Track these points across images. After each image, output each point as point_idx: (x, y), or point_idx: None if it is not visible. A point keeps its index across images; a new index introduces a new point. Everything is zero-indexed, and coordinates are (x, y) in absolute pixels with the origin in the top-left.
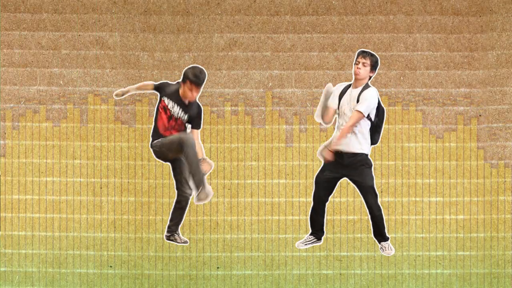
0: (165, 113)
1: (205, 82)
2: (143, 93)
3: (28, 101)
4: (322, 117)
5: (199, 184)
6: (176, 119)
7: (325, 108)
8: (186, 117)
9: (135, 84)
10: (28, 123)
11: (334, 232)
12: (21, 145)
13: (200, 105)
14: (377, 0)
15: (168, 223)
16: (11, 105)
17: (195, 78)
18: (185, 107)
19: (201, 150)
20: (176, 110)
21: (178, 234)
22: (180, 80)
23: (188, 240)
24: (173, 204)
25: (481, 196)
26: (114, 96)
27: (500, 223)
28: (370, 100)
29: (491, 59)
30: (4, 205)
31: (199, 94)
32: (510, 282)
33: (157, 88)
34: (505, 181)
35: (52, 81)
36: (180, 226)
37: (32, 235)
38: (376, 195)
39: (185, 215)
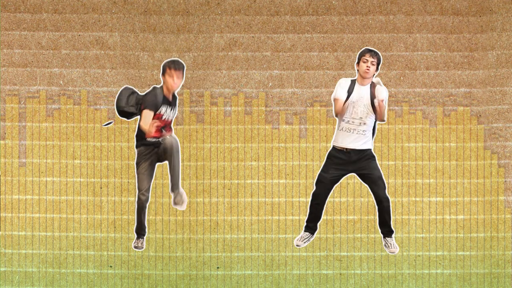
0: (160, 123)
1: (184, 70)
2: (142, 92)
3: (28, 101)
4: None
5: (175, 188)
6: (169, 125)
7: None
8: (173, 114)
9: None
10: (28, 123)
11: (334, 232)
12: (21, 145)
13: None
14: (377, 0)
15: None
16: (11, 105)
17: (173, 63)
18: (170, 104)
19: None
20: (167, 112)
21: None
22: (160, 75)
23: (142, 247)
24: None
25: (481, 196)
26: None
27: (500, 223)
28: (387, 93)
29: (491, 59)
30: (4, 205)
31: (181, 83)
32: (510, 282)
33: (153, 109)
34: (505, 181)
35: (52, 81)
36: (141, 230)
37: (32, 235)
38: (384, 187)
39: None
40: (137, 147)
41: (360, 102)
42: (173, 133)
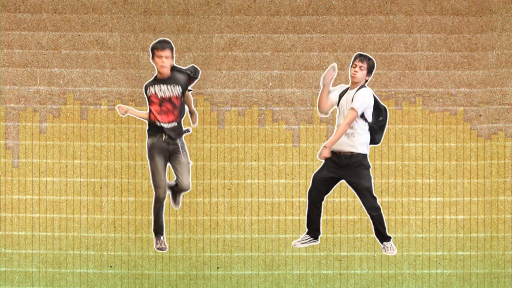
0: (157, 99)
1: (172, 48)
2: (143, 92)
3: (28, 101)
4: (320, 104)
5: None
6: (170, 98)
7: (326, 95)
8: (178, 88)
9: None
10: (28, 123)
11: (334, 232)
12: (21, 145)
13: (182, 68)
14: (377, 0)
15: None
16: (11, 105)
17: (157, 42)
18: (166, 81)
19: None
20: (163, 88)
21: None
22: (151, 60)
23: (166, 248)
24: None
25: (481, 196)
26: (116, 109)
27: (500, 223)
28: (362, 98)
29: (491, 59)
30: (4, 205)
31: (172, 62)
32: (510, 282)
33: (147, 99)
34: (505, 181)
35: (52, 81)
36: (160, 229)
37: (32, 235)
38: (372, 197)
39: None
40: (148, 137)
41: (347, 105)
42: (183, 141)
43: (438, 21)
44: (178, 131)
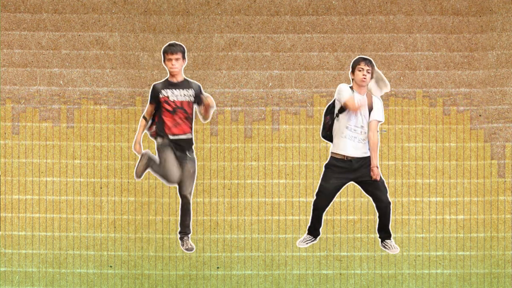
0: (170, 107)
1: (183, 51)
2: (142, 92)
3: (28, 101)
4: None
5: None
6: (182, 106)
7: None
8: (191, 92)
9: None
10: (28, 123)
11: (334, 232)
12: (21, 145)
13: (196, 82)
14: (377, 0)
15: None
16: (11, 105)
17: (168, 46)
18: (177, 86)
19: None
20: (176, 93)
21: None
22: (163, 63)
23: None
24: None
25: (481, 196)
26: (134, 151)
27: (500, 223)
28: (382, 108)
29: (491, 59)
30: (4, 205)
31: (184, 65)
32: (510, 282)
33: (152, 100)
34: (505, 181)
35: (52, 81)
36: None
37: (32, 235)
38: (387, 191)
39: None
40: (157, 140)
41: (362, 111)
42: (194, 153)
43: (438, 21)
44: (191, 143)
